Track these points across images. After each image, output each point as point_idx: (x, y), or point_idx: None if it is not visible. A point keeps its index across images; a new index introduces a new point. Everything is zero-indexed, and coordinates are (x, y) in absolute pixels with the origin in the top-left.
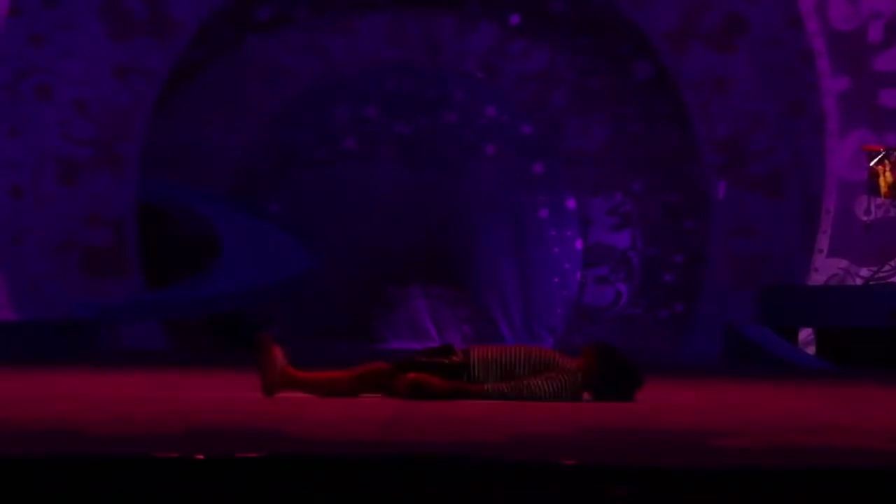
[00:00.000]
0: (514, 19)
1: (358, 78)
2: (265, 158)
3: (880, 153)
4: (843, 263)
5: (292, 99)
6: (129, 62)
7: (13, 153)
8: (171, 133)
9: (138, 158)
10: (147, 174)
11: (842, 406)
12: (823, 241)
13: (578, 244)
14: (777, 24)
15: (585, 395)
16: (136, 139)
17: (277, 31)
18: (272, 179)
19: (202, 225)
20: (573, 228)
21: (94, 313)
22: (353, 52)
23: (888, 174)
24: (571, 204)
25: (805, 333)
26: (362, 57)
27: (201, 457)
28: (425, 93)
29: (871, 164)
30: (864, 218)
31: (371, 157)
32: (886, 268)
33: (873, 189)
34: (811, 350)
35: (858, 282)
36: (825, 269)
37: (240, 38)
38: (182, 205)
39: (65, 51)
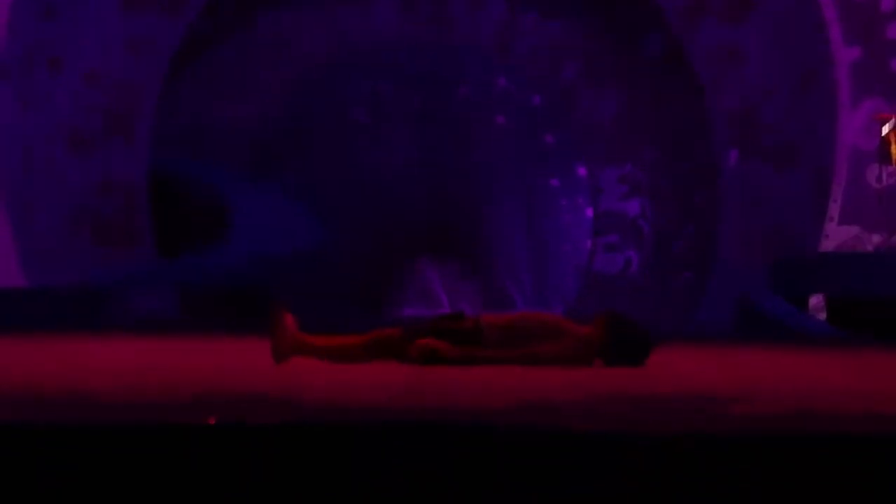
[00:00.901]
0: None
1: (370, 51)
2: (278, 132)
3: (892, 121)
4: (855, 231)
5: (305, 73)
6: (141, 35)
7: (26, 125)
8: (184, 105)
9: (150, 130)
10: (159, 146)
11: (853, 373)
12: (834, 210)
13: (589, 212)
14: None
15: (595, 362)
16: (148, 111)
17: (290, 5)
18: (285, 152)
19: (214, 195)
20: (584, 196)
21: (106, 282)
22: (365, 25)
23: None
24: (582, 172)
25: (816, 300)
26: (374, 30)
27: (213, 422)
28: (438, 66)
29: (883, 132)
30: (876, 186)
31: (383, 129)
32: None
33: (884, 157)
34: (822, 317)
35: (870, 249)
36: (836, 236)
37: (252, 11)
38: (194, 175)
39: (76, 24)
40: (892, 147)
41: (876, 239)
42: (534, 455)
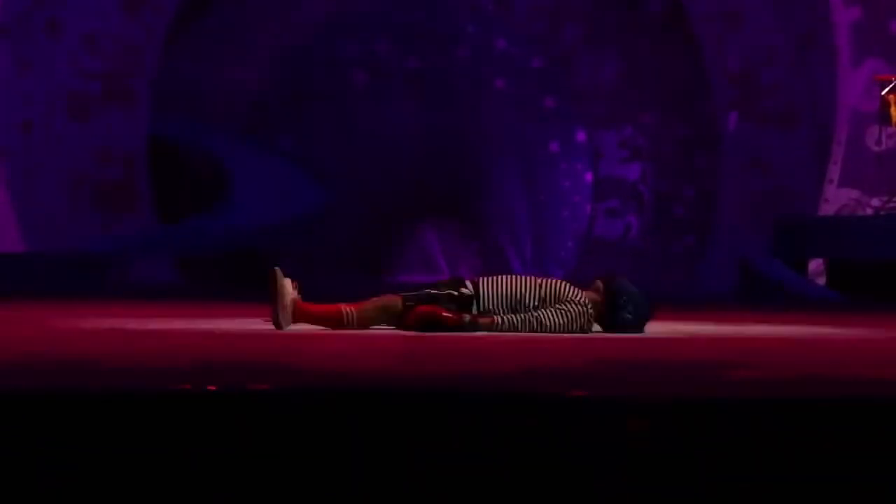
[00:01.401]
0: None
1: (368, 12)
2: (276, 94)
3: (892, 83)
4: (855, 194)
5: (303, 33)
6: None
7: (24, 88)
8: (182, 68)
9: (150, 94)
10: (158, 109)
11: (855, 337)
12: (834, 172)
13: (588, 177)
14: None
15: (595, 327)
16: (147, 74)
17: None
18: (283, 115)
19: (213, 161)
20: (583, 161)
21: (106, 248)
22: None
23: None
24: (582, 137)
25: (815, 265)
26: None
27: (213, 389)
28: (436, 26)
29: (883, 93)
30: (876, 148)
31: (382, 91)
32: None
33: (884, 119)
34: (822, 281)
35: (869, 212)
36: (836, 199)
37: None
38: (193, 140)
39: None
40: (892, 108)
41: (875, 202)
42: (533, 421)
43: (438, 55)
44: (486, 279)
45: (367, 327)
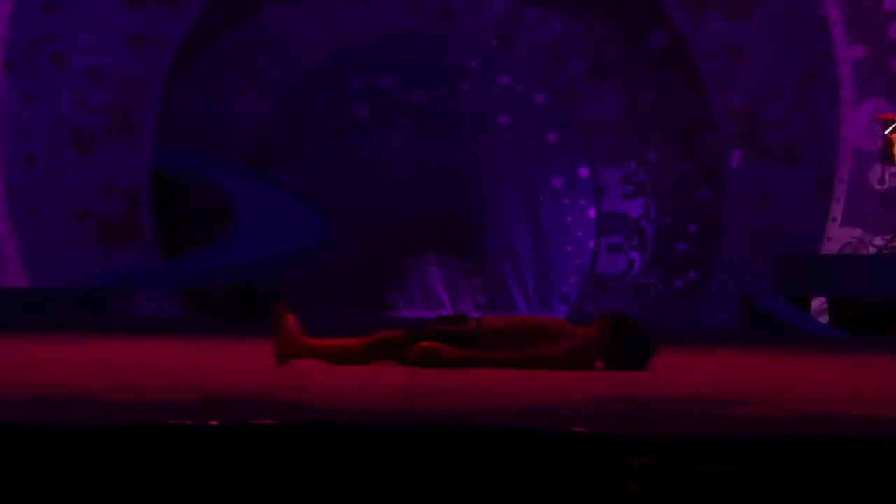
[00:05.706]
0: None
1: (372, 46)
2: (280, 127)
3: (894, 122)
4: (857, 232)
5: (307, 68)
6: (144, 30)
7: (28, 122)
8: (186, 102)
9: (153, 127)
10: (162, 143)
11: (857, 375)
12: (837, 210)
13: (591, 213)
14: None
15: (598, 364)
16: (151, 108)
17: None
18: (287, 148)
19: (217, 194)
20: (586, 197)
21: (109, 282)
22: (367, 20)
23: None
24: (585, 172)
25: (818, 302)
26: (377, 25)
27: (215, 424)
28: (440, 61)
29: (886, 132)
30: (878, 187)
31: (385, 126)
32: None
33: (887, 158)
34: (824, 319)
35: (872, 250)
36: (839, 237)
37: (254, 5)
38: (197, 174)
39: (79, 19)
40: (895, 147)
41: (878, 241)
42: (534, 457)
43: (442, 90)
44: (488, 316)
45: (368, 362)
